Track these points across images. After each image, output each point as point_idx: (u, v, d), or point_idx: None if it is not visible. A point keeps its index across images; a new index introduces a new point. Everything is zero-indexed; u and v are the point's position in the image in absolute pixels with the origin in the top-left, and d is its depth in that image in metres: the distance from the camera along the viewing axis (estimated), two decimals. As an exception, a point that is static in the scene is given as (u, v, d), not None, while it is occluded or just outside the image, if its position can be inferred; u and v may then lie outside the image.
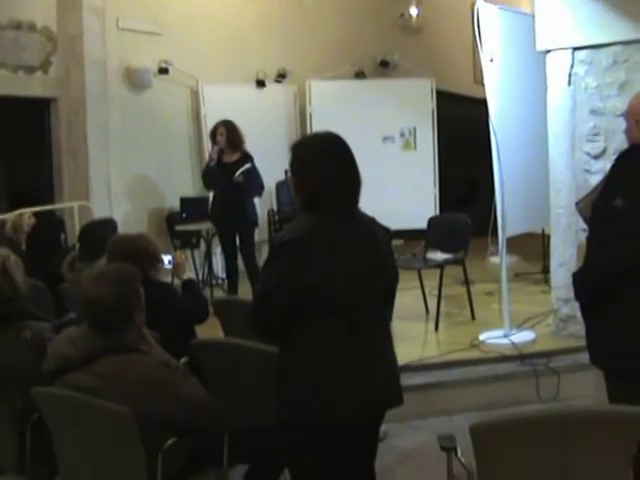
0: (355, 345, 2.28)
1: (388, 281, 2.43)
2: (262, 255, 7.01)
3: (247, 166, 6.20)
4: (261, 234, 7.41)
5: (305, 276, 2.21)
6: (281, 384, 2.32)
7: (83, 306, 2.61)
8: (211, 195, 6.70)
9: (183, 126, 8.05)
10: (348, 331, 2.27)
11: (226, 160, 6.36)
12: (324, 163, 2.31)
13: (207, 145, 7.87)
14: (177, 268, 3.84)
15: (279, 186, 7.78)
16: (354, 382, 2.26)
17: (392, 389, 2.40)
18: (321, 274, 2.22)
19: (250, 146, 6.41)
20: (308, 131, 7.74)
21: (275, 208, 7.93)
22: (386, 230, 2.46)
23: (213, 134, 6.39)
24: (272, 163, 6.95)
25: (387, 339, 2.42)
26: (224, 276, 7.67)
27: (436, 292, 5.63)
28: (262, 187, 6.35)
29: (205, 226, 7.34)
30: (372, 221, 2.43)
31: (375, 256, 2.36)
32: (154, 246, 3.52)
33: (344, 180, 2.31)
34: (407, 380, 4.30)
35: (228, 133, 6.31)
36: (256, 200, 6.44)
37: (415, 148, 8.56)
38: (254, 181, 6.19)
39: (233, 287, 6.44)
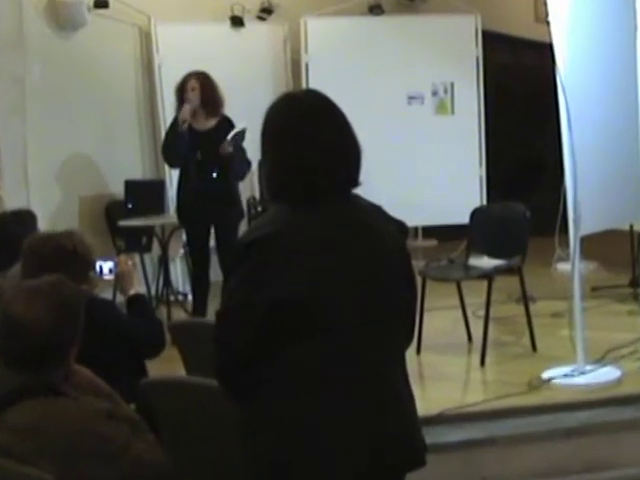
0: (351, 383, 2.29)
1: (400, 296, 2.43)
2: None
3: (242, 126, 6.12)
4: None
5: (279, 287, 2.23)
6: (249, 437, 2.33)
7: (3, 331, 2.62)
8: (176, 177, 6.69)
9: (129, 81, 8.05)
10: (341, 364, 2.28)
11: (198, 127, 6.37)
12: (295, 134, 2.33)
13: (162, 107, 7.88)
14: (121, 279, 3.84)
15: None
16: (350, 434, 2.27)
17: (408, 444, 2.39)
18: (299, 284, 2.24)
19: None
20: (303, 87, 7.74)
21: (257, 195, 7.94)
22: (400, 225, 2.46)
23: (181, 90, 6.40)
24: (252, 132, 6.94)
25: (399, 376, 2.42)
26: (186, 290, 7.66)
27: (482, 313, 5.62)
28: (249, 165, 6.37)
29: (160, 220, 7.34)
30: (378, 212, 2.44)
31: (381, 261, 2.36)
32: (85, 246, 3.52)
33: (328, 156, 2.32)
34: (442, 435, 4.32)
35: (203, 89, 6.32)
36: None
37: (453, 112, 8.56)
38: (242, 156, 6.18)
39: (200, 306, 6.48)
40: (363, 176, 2.40)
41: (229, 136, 6.16)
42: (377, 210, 2.44)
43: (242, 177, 6.50)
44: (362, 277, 2.33)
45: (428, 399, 4.72)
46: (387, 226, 2.43)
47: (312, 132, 2.34)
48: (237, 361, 2.31)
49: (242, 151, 6.23)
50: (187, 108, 6.30)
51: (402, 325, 2.46)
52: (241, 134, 6.19)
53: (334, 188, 2.35)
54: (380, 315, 2.35)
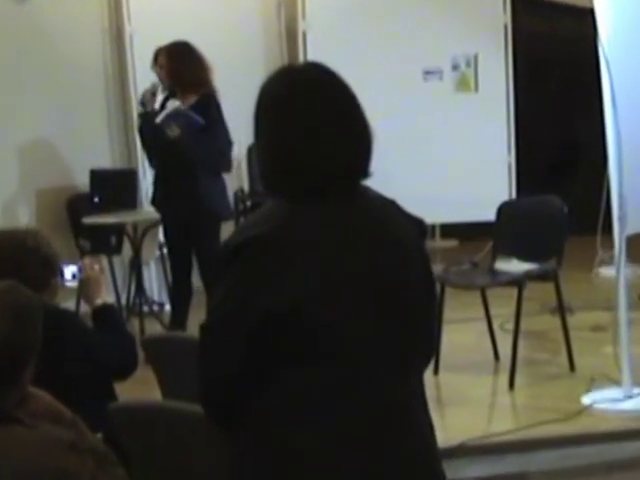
0: (359, 411, 2.28)
1: (418, 307, 2.41)
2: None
3: (174, 106, 6.13)
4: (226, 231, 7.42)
5: (274, 295, 2.22)
6: (238, 471, 2.32)
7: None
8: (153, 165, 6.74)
9: (96, 54, 8.04)
10: (348, 389, 2.27)
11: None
12: (293, 115, 2.32)
13: (134, 85, 7.88)
14: (86, 286, 3.84)
15: (252, 152, 7.79)
16: (358, 468, 2.26)
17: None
18: (298, 293, 2.24)
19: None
20: (301, 61, 7.74)
21: (246, 187, 7.93)
22: (417, 224, 2.46)
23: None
24: (241, 114, 6.90)
25: (417, 403, 2.41)
26: (162, 299, 7.66)
27: (511, 326, 5.63)
28: (223, 154, 6.34)
29: (131, 217, 7.33)
30: (392, 208, 2.43)
31: (393, 265, 2.36)
32: (51, 248, 3.53)
33: (332, 142, 2.31)
34: (463, 470, 4.33)
35: (171, 65, 6.31)
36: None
37: (477, 89, 8.57)
38: (206, 138, 6.19)
39: (180, 317, 6.49)
40: (373, 165, 2.39)
41: (158, 119, 6.14)
42: (390, 205, 2.43)
43: (223, 167, 6.47)
44: (371, 284, 2.32)
45: (448, 428, 4.72)
46: (402, 224, 2.41)
47: (313, 113, 2.33)
48: (226, 383, 2.30)
49: (217, 132, 6.23)
50: (147, 91, 6.40)
51: (420, 341, 2.45)
52: (175, 116, 6.16)
53: (340, 179, 2.34)
54: (394, 329, 2.34)
